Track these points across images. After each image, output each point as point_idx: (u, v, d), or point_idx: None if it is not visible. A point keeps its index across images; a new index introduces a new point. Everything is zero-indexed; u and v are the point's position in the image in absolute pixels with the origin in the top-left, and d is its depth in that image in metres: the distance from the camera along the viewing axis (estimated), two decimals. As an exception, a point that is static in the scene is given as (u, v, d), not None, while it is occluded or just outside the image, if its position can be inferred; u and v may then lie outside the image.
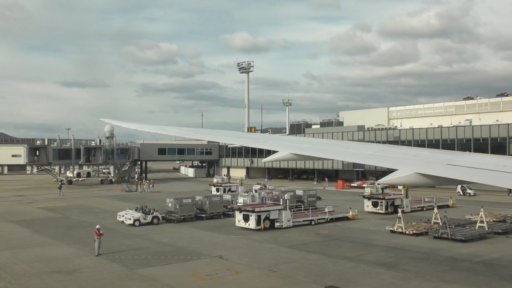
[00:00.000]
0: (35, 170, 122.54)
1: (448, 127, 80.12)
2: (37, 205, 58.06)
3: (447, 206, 53.20)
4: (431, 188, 65.98)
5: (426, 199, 53.60)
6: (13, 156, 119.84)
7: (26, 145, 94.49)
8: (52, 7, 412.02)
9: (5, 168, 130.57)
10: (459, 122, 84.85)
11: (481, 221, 37.42)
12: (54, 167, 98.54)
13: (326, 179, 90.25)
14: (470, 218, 41.96)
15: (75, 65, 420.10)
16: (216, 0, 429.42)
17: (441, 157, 14.07)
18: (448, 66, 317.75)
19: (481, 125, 75.86)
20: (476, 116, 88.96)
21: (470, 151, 62.43)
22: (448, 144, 75.21)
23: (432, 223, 38.92)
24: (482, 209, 38.12)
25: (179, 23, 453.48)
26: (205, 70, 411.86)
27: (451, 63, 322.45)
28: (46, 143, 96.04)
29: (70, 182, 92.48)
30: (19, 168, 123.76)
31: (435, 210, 40.20)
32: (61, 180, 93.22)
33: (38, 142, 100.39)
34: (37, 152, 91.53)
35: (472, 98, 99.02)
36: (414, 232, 36.33)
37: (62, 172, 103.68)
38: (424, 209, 51.59)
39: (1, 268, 26.85)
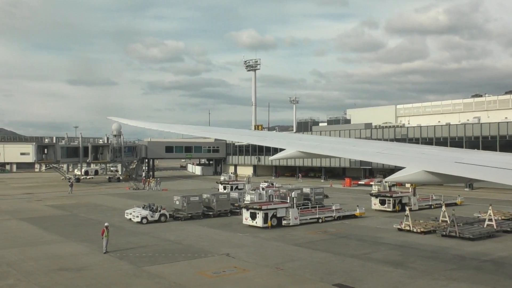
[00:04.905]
0: (43, 168, 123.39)
1: (456, 124, 79.57)
2: (46, 202, 58.44)
3: (455, 204, 52.91)
4: (439, 186, 65.60)
5: (434, 197, 53.32)
6: (21, 154, 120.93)
7: (34, 143, 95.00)
8: (59, 5, 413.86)
9: (14, 166, 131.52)
10: (468, 120, 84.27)
11: (490, 219, 37.22)
12: (62, 165, 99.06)
13: (300, 175, 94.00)
14: (478, 216, 41.71)
15: (82, 63, 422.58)
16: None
17: (449, 155, 13.96)
18: (457, 63, 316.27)
19: (489, 123, 75.26)
20: (485, 113, 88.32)
21: (478, 149, 62.04)
22: (456, 142, 74.72)
23: (440, 221, 38.73)
24: (490, 207, 37.88)
25: (186, 21, 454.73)
26: (212, 67, 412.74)
27: (460, 59, 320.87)
28: (54, 141, 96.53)
29: (78, 180, 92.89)
30: (28, 166, 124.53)
31: (443, 208, 40.01)
32: (69, 178, 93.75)
33: (46, 140, 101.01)
34: (45, 150, 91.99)
35: (481, 96, 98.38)
36: (421, 230, 36.18)
37: (70, 170, 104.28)
38: (432, 207, 51.35)
39: (10, 265, 27.06)
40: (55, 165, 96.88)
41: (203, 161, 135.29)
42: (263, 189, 52.78)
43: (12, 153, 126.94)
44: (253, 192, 46.98)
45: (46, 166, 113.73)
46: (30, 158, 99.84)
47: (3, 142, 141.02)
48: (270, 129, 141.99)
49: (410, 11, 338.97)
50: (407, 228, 36.83)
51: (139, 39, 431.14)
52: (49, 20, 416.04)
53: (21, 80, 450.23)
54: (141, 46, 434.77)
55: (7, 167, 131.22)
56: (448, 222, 36.79)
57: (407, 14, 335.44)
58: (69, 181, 76.33)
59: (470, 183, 66.14)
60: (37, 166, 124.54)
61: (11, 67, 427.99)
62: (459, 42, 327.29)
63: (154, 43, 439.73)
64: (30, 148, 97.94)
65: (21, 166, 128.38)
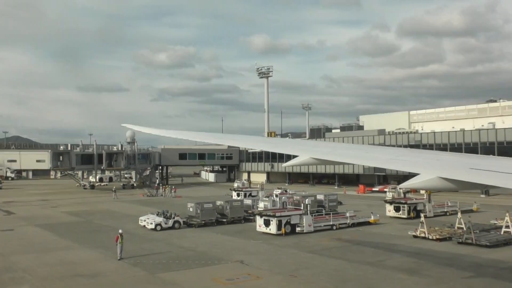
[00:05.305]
0: (58, 175, 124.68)
1: (471, 130, 78.78)
2: (61, 209, 58.96)
3: (471, 210, 52.28)
4: (454, 193, 64.88)
5: (449, 204, 52.73)
6: (37, 161, 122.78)
7: (50, 150, 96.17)
8: (73, 13, 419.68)
9: (30, 173, 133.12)
10: (482, 125, 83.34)
11: (507, 226, 36.68)
12: (77, 172, 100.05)
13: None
14: (495, 223, 41.15)
15: (95, 70, 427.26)
16: (236, 4, 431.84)
17: (464, 161, 13.85)
18: (472, 66, 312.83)
19: (504, 128, 74.41)
20: (500, 119, 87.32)
21: (494, 155, 61.32)
22: (471, 148, 73.93)
23: (455, 228, 38.29)
24: (507, 214, 37.34)
25: (198, 28, 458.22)
26: (223, 73, 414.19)
27: (476, 63, 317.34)
28: (69, 148, 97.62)
29: (92, 187, 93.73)
30: (43, 173, 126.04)
31: (459, 214, 39.55)
32: (84, 185, 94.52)
33: (61, 147, 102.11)
34: (61, 157, 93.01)
35: (495, 101, 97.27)
36: (437, 237, 35.78)
37: (84, 177, 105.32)
38: (448, 213, 50.75)
39: (26, 271, 27.34)
40: (70, 172, 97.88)
41: (216, 168, 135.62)
42: (276, 196, 52.77)
43: (28, 160, 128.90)
44: (267, 199, 46.98)
45: (61, 173, 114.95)
46: (46, 165, 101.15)
47: (20, 149, 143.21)
48: (283, 135, 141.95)
49: (424, 13, 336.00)
50: (422, 235, 36.45)
51: (151, 46, 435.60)
52: (66, 28, 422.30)
53: (36, 88, 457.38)
54: (152, 53, 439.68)
55: (24, 174, 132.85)
56: (464, 229, 36.31)
57: (421, 17, 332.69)
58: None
59: (486, 189, 65.36)
60: (52, 173, 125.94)
61: (26, 75, 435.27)
62: (475, 44, 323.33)
63: (166, 49, 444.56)
64: (46, 155, 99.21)
65: (37, 173, 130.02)
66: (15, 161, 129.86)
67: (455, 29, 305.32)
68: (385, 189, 71.11)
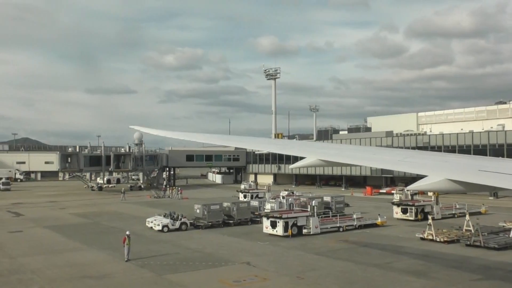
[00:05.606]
0: (67, 176, 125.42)
1: (480, 132, 78.30)
2: (69, 211, 59.26)
3: (480, 213, 51.93)
4: (463, 195, 64.56)
5: (458, 206, 52.45)
6: (46, 163, 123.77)
7: (58, 152, 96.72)
8: (82, 16, 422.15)
9: (39, 175, 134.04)
10: (491, 127, 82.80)
11: (515, 229, 36.42)
12: (85, 174, 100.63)
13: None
14: (503, 226, 40.86)
15: (102, 72, 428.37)
16: (243, 6, 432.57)
17: (472, 163, 13.78)
18: (482, 68, 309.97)
19: (514, 130, 73.84)
20: (509, 120, 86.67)
21: (503, 157, 60.89)
22: (479, 150, 73.47)
23: (463, 230, 38.08)
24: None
25: (207, 30, 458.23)
26: (231, 75, 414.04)
27: (485, 64, 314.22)
28: (77, 150, 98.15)
29: (100, 188, 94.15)
30: (52, 175, 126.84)
31: (467, 217, 39.33)
32: (92, 187, 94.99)
33: (69, 149, 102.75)
34: (69, 159, 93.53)
35: (505, 103, 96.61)
36: (445, 239, 35.59)
37: (92, 178, 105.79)
38: (456, 216, 50.47)
39: (35, 272, 27.50)
40: (78, 174, 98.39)
41: (223, 169, 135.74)
42: (283, 197, 52.75)
43: (37, 162, 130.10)
44: (274, 200, 46.95)
45: (69, 175, 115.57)
46: (54, 167, 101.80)
47: (29, 151, 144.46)
48: (290, 137, 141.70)
49: (432, 14, 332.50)
50: (430, 237, 36.27)
51: (159, 48, 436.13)
52: (73, 31, 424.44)
53: (45, 90, 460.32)
54: (160, 55, 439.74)
55: (32, 175, 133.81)
56: (472, 231, 36.10)
57: (430, 18, 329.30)
58: (122, 190, 76.60)
59: (494, 191, 64.96)
60: (60, 174, 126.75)
61: (36, 77, 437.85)
62: (484, 45, 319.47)
63: (173, 51, 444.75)
64: (54, 157, 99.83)
65: (46, 174, 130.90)
66: (24, 162, 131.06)
67: (464, 30, 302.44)
68: (392, 191, 70.88)
